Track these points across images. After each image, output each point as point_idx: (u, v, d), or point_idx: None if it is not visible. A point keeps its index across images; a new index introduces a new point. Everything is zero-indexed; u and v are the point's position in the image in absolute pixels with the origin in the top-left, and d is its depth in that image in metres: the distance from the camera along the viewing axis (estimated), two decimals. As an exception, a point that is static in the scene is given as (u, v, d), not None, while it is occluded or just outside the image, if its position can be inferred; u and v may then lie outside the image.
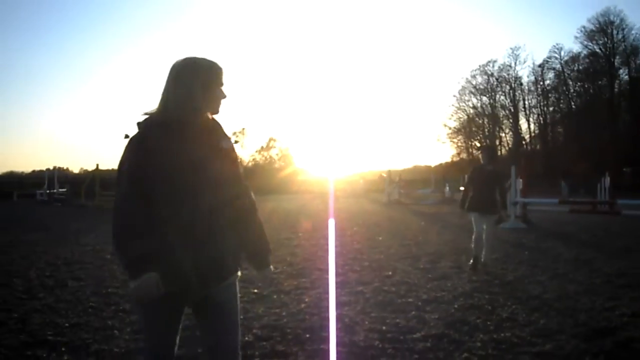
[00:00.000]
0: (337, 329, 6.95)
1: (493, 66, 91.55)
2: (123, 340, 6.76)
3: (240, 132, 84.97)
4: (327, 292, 9.09)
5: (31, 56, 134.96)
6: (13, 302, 8.83)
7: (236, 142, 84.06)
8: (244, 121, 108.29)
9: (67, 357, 6.14)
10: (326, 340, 6.54)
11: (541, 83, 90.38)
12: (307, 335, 6.80)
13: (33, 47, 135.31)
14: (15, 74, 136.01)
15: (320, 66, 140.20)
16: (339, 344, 6.34)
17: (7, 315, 7.96)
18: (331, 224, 21.23)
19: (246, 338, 6.69)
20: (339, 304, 8.20)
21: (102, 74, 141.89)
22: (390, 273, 10.98)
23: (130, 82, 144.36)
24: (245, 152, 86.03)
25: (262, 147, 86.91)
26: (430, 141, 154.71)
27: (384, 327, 7.09)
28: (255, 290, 9.36)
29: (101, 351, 6.36)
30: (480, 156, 12.07)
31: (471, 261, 11.37)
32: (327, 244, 14.89)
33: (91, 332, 7.10)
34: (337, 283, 9.86)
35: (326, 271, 11.06)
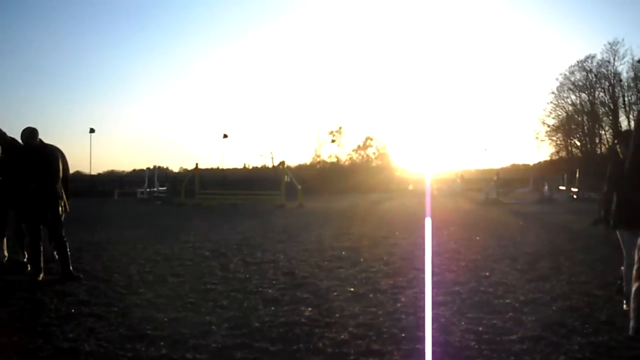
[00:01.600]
0: (433, 329, 6.94)
1: (591, 62, 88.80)
2: (220, 336, 6.92)
3: (337, 131, 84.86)
4: (424, 292, 9.08)
5: (131, 56, 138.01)
6: (113, 297, 9.13)
7: (333, 141, 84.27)
8: (341, 120, 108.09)
9: (165, 351, 6.32)
10: (422, 340, 6.56)
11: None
12: (403, 335, 6.84)
13: (132, 46, 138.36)
14: (116, 74, 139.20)
15: (416, 64, 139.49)
16: (434, 344, 6.35)
17: (107, 310, 8.24)
18: (428, 223, 21.13)
19: (342, 336, 6.77)
20: (435, 304, 8.19)
21: (200, 73, 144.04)
22: (487, 273, 10.92)
23: (228, 81, 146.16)
24: (342, 151, 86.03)
25: (359, 146, 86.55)
26: (528, 139, 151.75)
27: (480, 328, 7.07)
28: (351, 289, 9.45)
29: (199, 346, 6.51)
30: (618, 148, 8.48)
31: (624, 304, 7.86)
32: (424, 243, 14.83)
33: (189, 327, 7.28)
34: (433, 283, 9.82)
35: (423, 270, 11.02)
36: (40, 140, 10.65)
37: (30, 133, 10.48)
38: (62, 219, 10.78)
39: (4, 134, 10.85)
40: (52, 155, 10.68)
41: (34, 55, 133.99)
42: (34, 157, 10.40)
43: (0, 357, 6.11)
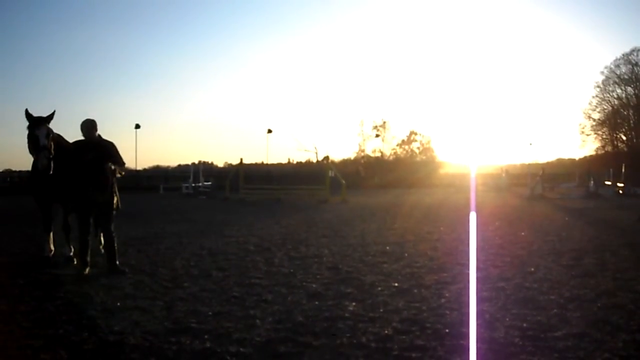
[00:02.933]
0: (477, 325, 6.91)
1: (637, 55, 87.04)
2: (264, 329, 6.97)
3: (381, 126, 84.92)
4: (468, 288, 9.05)
5: (176, 52, 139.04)
6: (159, 291, 9.25)
7: (377, 135, 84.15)
8: (386, 114, 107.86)
9: (209, 345, 6.38)
10: (466, 336, 6.56)
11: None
12: (447, 331, 6.84)
13: (177, 43, 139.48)
14: (162, 70, 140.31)
15: (461, 57, 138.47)
16: (478, 340, 6.32)
17: (152, 303, 8.35)
18: (472, 218, 21.05)
19: (385, 331, 6.79)
20: (479, 300, 8.14)
21: (245, 69, 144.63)
22: (532, 269, 10.85)
23: (273, 76, 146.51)
24: (387, 146, 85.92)
25: (403, 141, 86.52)
26: (574, 133, 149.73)
27: (524, 324, 7.04)
28: (396, 284, 9.46)
29: (242, 340, 6.56)
30: None
31: None
32: (468, 239, 14.76)
33: (233, 321, 7.35)
34: (478, 278, 9.74)
35: (467, 266, 11.00)
36: (99, 135, 10.84)
37: (91, 124, 10.69)
38: (114, 214, 10.96)
39: (51, 131, 11.02)
40: (112, 149, 10.88)
41: (82, 52, 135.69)
42: (94, 149, 10.60)
43: (47, 349, 6.22)
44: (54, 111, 11.05)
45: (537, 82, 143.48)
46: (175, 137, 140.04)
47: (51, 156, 10.70)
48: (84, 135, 10.67)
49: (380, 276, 10.24)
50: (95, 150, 10.60)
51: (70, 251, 11.90)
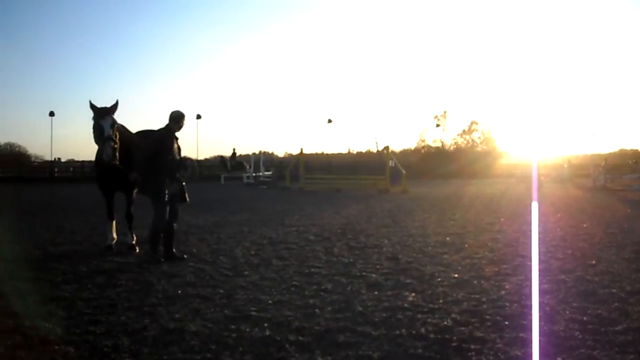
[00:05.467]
0: (537, 317, 6.88)
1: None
2: (324, 318, 7.03)
3: (442, 116, 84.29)
4: (528, 280, 8.98)
5: (235, 41, 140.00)
6: (219, 279, 9.38)
7: (437, 125, 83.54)
8: (446, 104, 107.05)
9: (269, 333, 6.45)
10: (525, 328, 6.51)
11: None
12: (506, 323, 6.80)
13: (237, 34, 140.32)
14: (222, 59, 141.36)
15: (522, 46, 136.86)
16: (538, 332, 6.30)
17: (213, 291, 8.48)
18: (534, 209, 20.81)
19: (445, 322, 6.79)
20: (540, 292, 8.08)
21: (305, 59, 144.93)
22: (593, 262, 10.71)
23: (334, 66, 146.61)
24: (447, 136, 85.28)
25: (464, 131, 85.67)
26: (637, 123, 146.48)
27: (584, 318, 6.97)
28: (455, 275, 9.44)
29: (302, 328, 6.63)
30: None
31: None
32: (530, 230, 14.63)
33: (293, 310, 7.43)
34: (538, 270, 9.68)
35: (528, 258, 10.92)
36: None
37: (182, 116, 11.03)
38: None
39: (115, 121, 11.23)
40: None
41: (143, 43, 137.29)
42: (175, 141, 10.85)
43: (109, 336, 6.35)
44: (117, 101, 11.25)
45: (600, 72, 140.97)
46: (236, 127, 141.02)
47: (115, 146, 10.91)
48: (171, 125, 10.87)
49: (440, 267, 10.22)
50: (177, 142, 10.87)
51: (133, 239, 12.11)
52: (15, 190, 37.60)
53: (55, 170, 66.78)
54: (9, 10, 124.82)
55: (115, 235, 12.30)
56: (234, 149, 45.95)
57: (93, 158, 11.95)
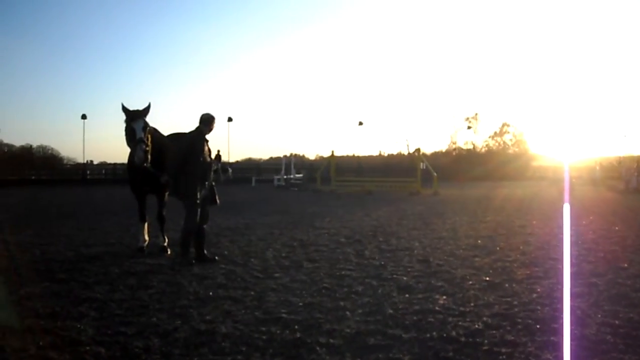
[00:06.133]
0: (569, 321, 6.85)
1: None
2: (354, 321, 7.03)
3: (473, 118, 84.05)
4: (560, 283, 8.95)
5: (268, 48, 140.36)
6: (250, 281, 9.41)
7: (469, 127, 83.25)
8: (477, 106, 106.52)
9: (299, 335, 6.47)
10: (557, 332, 6.48)
11: None
12: (538, 326, 6.77)
13: (269, 38, 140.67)
14: (254, 63, 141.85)
15: (552, 48, 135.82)
16: (569, 336, 6.27)
17: (244, 293, 8.51)
18: (566, 212, 20.69)
19: (475, 326, 6.77)
20: (571, 295, 8.03)
21: (336, 61, 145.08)
22: (625, 265, 10.62)
23: (364, 69, 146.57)
24: (479, 138, 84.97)
25: (495, 133, 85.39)
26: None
27: (616, 322, 6.92)
28: (487, 278, 9.40)
29: (332, 331, 6.64)
30: None
31: None
32: (561, 233, 14.57)
33: (324, 312, 7.44)
34: (570, 274, 9.62)
35: (560, 261, 10.86)
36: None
37: (213, 119, 11.07)
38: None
39: (147, 124, 11.31)
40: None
41: (176, 47, 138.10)
42: (206, 144, 10.93)
43: (140, 337, 6.40)
44: (150, 104, 11.33)
45: (633, 73, 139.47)
46: (267, 129, 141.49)
47: (147, 148, 10.99)
48: (202, 128, 10.95)
49: (471, 270, 10.19)
50: (207, 145, 10.96)
51: (165, 241, 12.19)
52: (48, 192, 37.95)
53: (88, 172, 67.28)
54: (41, 14, 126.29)
55: (147, 237, 12.38)
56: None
57: (125, 160, 12.08)
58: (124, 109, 11.20)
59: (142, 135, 10.98)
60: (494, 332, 6.55)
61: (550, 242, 13.49)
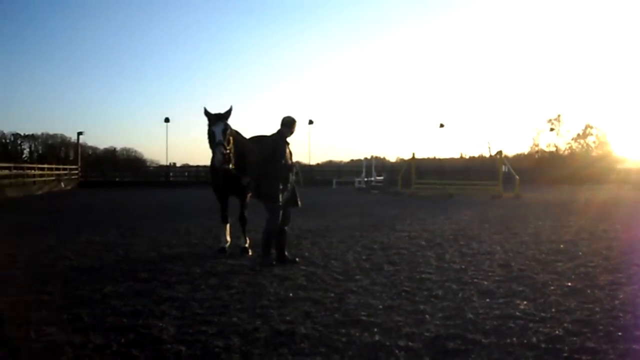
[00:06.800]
0: (652, 328, 6.74)
1: None
2: (434, 325, 7.02)
3: (555, 120, 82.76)
4: (644, 289, 8.80)
5: (347, 51, 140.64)
6: (330, 283, 9.48)
7: (552, 129, 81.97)
8: (560, 108, 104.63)
9: (378, 338, 6.49)
10: (639, 340, 6.39)
11: None
12: (620, 334, 6.65)
13: (349, 41, 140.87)
14: (334, 64, 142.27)
15: (636, 48, 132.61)
16: (653, 344, 6.17)
17: (324, 295, 8.58)
18: (652, 216, 20.27)
19: (556, 332, 6.69)
20: (656, 303, 7.92)
21: (416, 63, 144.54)
22: None
23: (445, 70, 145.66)
24: (561, 140, 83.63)
25: (578, 135, 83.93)
26: None
27: (702, 330, 6.78)
28: (569, 284, 9.28)
29: (412, 334, 6.64)
30: None
31: None
32: (647, 238, 14.29)
33: (403, 315, 7.45)
34: (654, 280, 9.48)
35: (644, 267, 10.66)
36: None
37: (294, 122, 11.23)
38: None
39: (228, 126, 11.49)
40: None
41: (256, 52, 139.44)
42: (287, 146, 11.05)
43: (221, 336, 6.53)
44: (231, 107, 11.51)
45: None
46: (347, 132, 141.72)
47: (227, 151, 11.17)
48: (283, 130, 11.08)
49: (553, 275, 10.07)
50: (289, 147, 11.07)
51: (246, 242, 12.36)
52: (132, 194, 38.74)
53: (171, 174, 68.69)
54: (126, 21, 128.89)
55: (228, 238, 12.59)
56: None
57: (208, 163, 12.30)
58: (206, 113, 11.42)
59: (222, 139, 11.17)
60: (574, 338, 6.47)
61: (635, 247, 13.29)
